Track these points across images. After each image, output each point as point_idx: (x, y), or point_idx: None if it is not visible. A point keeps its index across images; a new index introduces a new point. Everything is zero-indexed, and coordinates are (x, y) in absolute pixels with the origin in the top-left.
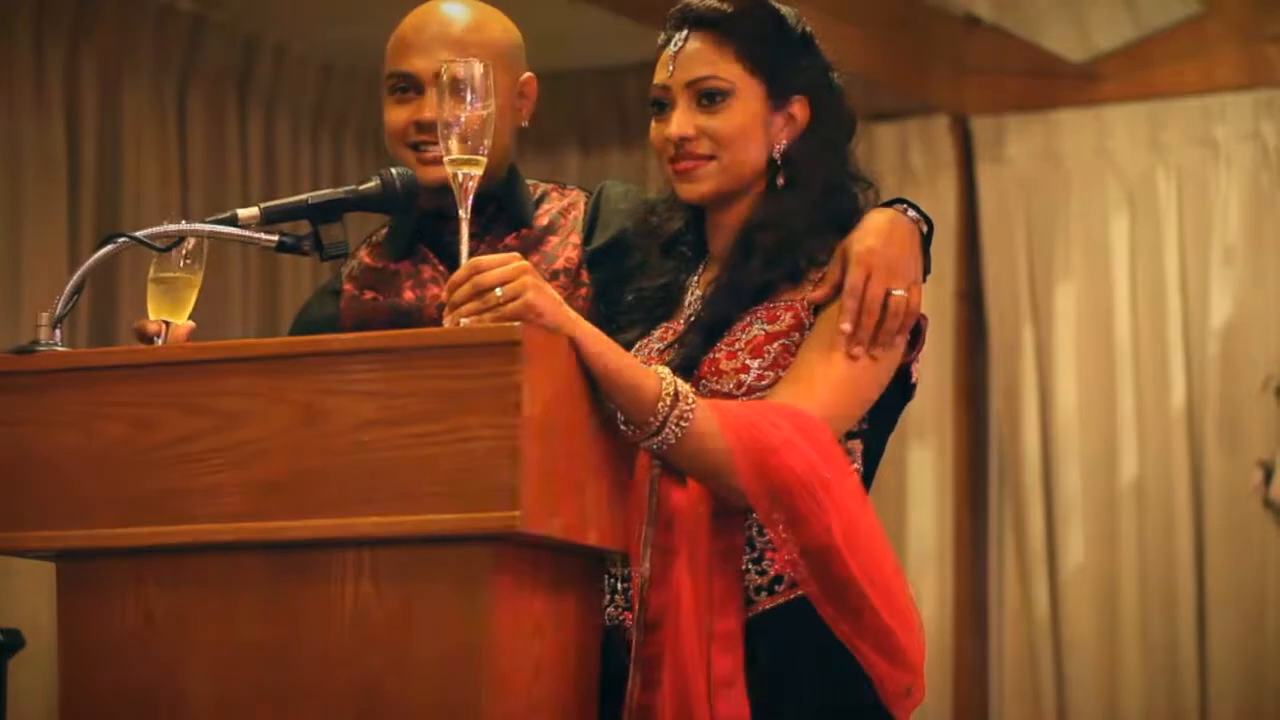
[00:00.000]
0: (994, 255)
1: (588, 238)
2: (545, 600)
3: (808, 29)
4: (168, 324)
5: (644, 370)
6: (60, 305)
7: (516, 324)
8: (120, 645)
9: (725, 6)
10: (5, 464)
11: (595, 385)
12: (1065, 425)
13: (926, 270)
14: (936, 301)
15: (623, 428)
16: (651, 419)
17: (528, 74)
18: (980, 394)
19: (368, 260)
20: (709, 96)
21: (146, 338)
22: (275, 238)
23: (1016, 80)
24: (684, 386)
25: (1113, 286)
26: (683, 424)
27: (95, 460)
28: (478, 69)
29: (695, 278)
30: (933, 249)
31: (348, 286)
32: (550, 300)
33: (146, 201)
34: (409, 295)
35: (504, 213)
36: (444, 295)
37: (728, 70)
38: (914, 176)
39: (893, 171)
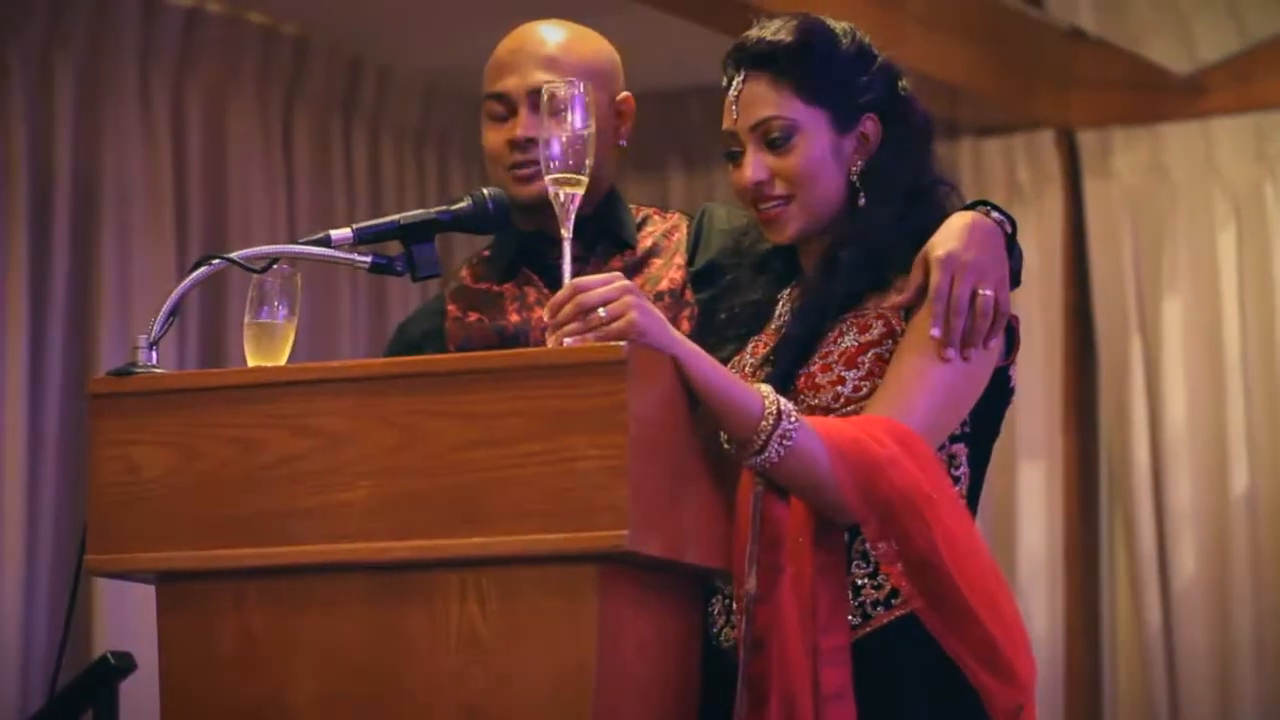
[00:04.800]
0: (1102, 269)
1: (691, 259)
2: (648, 619)
3: (865, 41)
4: None
5: (747, 389)
6: (156, 327)
7: (622, 343)
8: (221, 667)
9: (780, 39)
10: (106, 486)
11: (695, 403)
12: (1175, 438)
13: (1017, 271)
14: (1045, 316)
15: (726, 446)
16: (755, 437)
17: (625, 93)
18: (1090, 408)
19: (469, 281)
20: (774, 138)
21: None
22: (368, 259)
23: (1122, 93)
24: (787, 404)
25: (1221, 299)
26: (786, 442)
27: (199, 482)
28: (577, 88)
29: (786, 293)
30: (1041, 264)
31: (451, 307)
32: (654, 319)
33: (254, 226)
34: (514, 317)
35: (606, 235)
36: (546, 315)
37: (788, 108)
38: (1020, 191)
39: (1000, 186)
